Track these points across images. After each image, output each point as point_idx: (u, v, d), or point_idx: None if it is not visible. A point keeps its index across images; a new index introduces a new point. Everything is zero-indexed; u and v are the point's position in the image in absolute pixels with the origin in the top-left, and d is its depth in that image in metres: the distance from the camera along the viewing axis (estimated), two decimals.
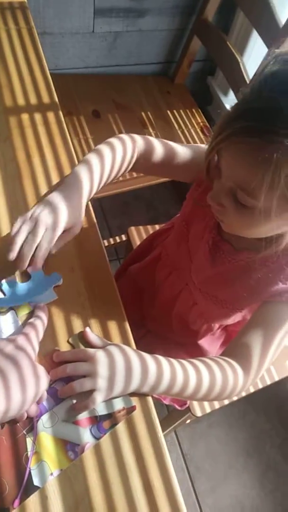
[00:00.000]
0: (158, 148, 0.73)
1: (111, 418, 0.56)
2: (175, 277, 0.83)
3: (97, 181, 0.67)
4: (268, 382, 1.03)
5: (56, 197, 0.62)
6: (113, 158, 0.68)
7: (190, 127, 1.53)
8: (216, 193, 0.57)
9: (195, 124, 1.55)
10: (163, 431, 1.18)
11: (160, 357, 0.60)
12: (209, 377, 0.60)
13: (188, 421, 1.06)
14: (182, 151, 0.74)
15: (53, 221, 0.60)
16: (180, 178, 0.79)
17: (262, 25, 1.21)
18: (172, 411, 1.10)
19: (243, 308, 0.72)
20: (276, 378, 1.04)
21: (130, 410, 0.57)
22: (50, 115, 0.86)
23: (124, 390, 0.56)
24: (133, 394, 0.58)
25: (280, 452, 1.48)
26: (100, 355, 0.57)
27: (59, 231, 0.61)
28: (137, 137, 0.72)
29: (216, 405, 0.99)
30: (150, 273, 0.90)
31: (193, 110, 1.60)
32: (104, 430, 0.55)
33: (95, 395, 0.55)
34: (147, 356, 0.59)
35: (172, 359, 0.60)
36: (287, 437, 1.50)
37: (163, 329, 0.91)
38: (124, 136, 0.71)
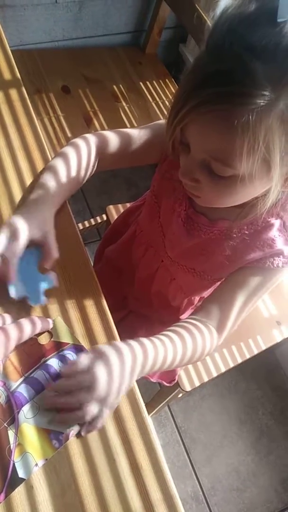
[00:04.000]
0: (115, 141, 0.70)
1: None
2: (151, 254, 0.81)
3: (65, 192, 0.67)
4: (256, 352, 1.04)
5: (19, 215, 0.60)
6: (77, 166, 0.66)
7: (164, 98, 1.49)
8: (188, 168, 0.54)
9: (169, 94, 1.50)
10: (156, 406, 1.20)
11: (145, 342, 0.56)
12: (182, 347, 0.59)
13: (180, 395, 1.07)
14: (141, 134, 0.71)
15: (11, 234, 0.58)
16: (147, 162, 0.76)
17: None
18: (163, 386, 1.10)
19: (222, 278, 0.70)
20: (263, 347, 1.04)
21: None
22: (13, 93, 0.82)
23: (118, 395, 0.53)
24: None
25: (272, 417, 1.51)
26: (94, 380, 0.50)
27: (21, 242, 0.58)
28: (91, 137, 0.69)
29: (205, 377, 0.99)
30: (127, 252, 0.88)
31: (167, 80, 1.55)
32: None
33: (90, 407, 0.51)
34: (133, 349, 0.54)
35: (152, 339, 0.58)
36: (278, 403, 1.53)
37: (145, 308, 0.90)
38: (78, 140, 0.69)
